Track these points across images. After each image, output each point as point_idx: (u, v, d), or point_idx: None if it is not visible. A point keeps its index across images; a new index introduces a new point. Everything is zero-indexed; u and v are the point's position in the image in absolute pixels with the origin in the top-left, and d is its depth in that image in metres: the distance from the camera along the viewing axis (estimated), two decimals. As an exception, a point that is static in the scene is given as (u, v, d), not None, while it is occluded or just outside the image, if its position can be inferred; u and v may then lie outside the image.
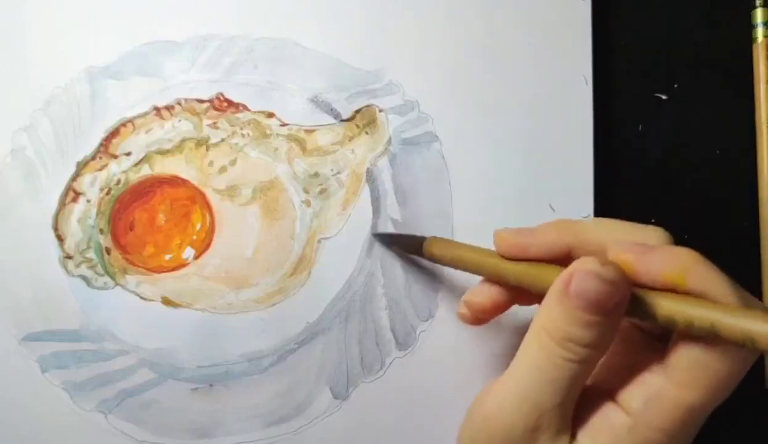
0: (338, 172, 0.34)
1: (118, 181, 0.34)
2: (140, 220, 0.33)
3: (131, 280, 0.33)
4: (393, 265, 0.34)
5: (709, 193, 0.36)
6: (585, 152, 0.34)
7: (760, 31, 0.36)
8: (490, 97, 0.35)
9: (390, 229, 0.34)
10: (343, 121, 0.35)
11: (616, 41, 0.37)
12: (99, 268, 0.33)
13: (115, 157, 0.34)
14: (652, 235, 0.24)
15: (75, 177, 0.33)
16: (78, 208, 0.33)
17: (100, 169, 0.34)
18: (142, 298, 0.33)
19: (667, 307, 0.20)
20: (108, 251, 0.33)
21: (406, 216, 0.34)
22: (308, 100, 0.34)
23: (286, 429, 0.33)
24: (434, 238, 0.30)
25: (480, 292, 0.27)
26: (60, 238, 0.33)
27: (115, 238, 0.33)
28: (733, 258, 0.36)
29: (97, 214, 0.33)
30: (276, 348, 0.33)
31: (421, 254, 0.30)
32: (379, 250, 0.34)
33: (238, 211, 0.34)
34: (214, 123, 0.34)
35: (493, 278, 0.27)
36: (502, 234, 0.25)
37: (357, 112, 0.35)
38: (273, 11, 0.35)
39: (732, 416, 0.35)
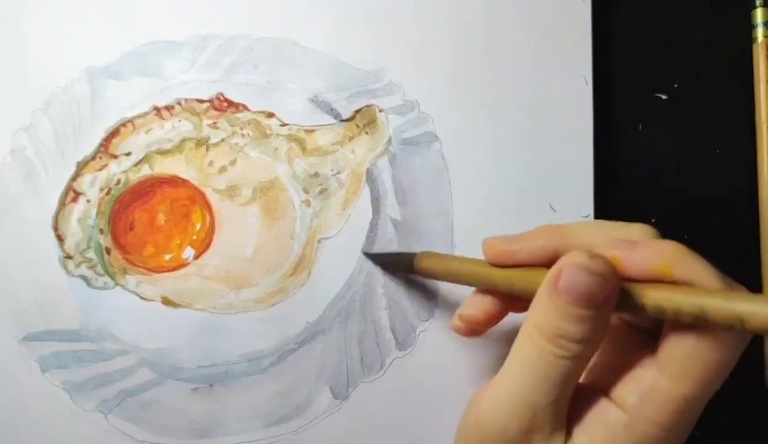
0: (338, 172, 0.34)
1: (118, 181, 0.34)
2: (140, 220, 0.33)
3: (131, 280, 0.33)
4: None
5: (709, 193, 0.36)
6: (585, 152, 0.34)
7: (760, 31, 0.36)
8: (490, 97, 0.35)
9: (390, 229, 0.34)
10: (343, 121, 0.35)
11: (616, 41, 0.37)
12: (99, 268, 0.33)
13: (115, 157, 0.34)
14: (638, 231, 0.24)
15: (75, 177, 0.33)
16: (78, 208, 0.33)
17: (100, 169, 0.34)
18: (142, 298, 0.33)
19: (655, 296, 0.21)
20: (108, 251, 0.33)
21: (406, 216, 0.34)
22: (308, 100, 0.34)
23: (286, 429, 0.33)
24: (424, 252, 0.30)
25: (472, 304, 0.27)
26: (60, 238, 0.33)
27: (115, 238, 0.33)
28: (733, 258, 0.36)
29: (97, 214, 0.33)
30: (276, 348, 0.33)
31: (412, 270, 0.30)
32: (380, 249, 0.34)
33: (238, 211, 0.34)
34: (214, 123, 0.34)
35: (484, 287, 0.27)
36: (490, 242, 0.25)
37: (357, 112, 0.35)
38: (273, 11, 0.35)
39: (732, 416, 0.35)
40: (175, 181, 0.34)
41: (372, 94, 0.35)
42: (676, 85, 0.37)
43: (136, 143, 0.34)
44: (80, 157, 0.33)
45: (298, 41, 0.35)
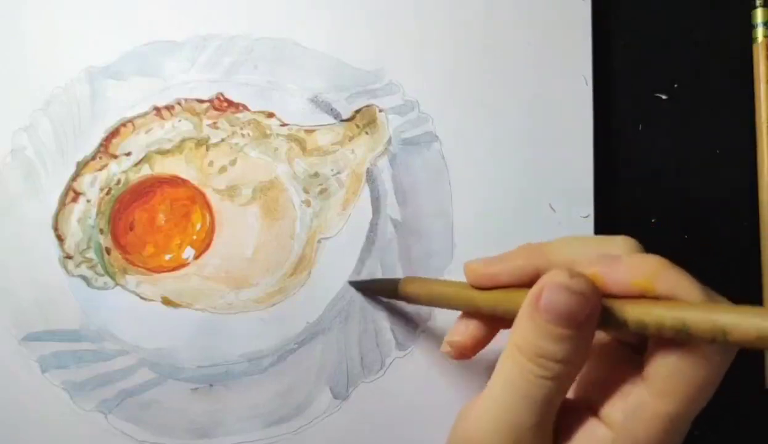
0: (338, 172, 0.34)
1: (118, 181, 0.34)
2: (140, 220, 0.33)
3: (131, 280, 0.33)
4: (393, 265, 0.34)
5: (709, 193, 0.36)
6: (585, 152, 0.34)
7: (760, 31, 0.36)
8: (490, 97, 0.35)
9: (390, 229, 0.34)
10: (343, 121, 0.35)
11: (616, 41, 0.37)
12: (99, 268, 0.33)
13: (115, 157, 0.34)
14: (620, 245, 0.23)
15: (75, 177, 0.33)
16: (78, 208, 0.33)
17: (100, 169, 0.34)
18: (142, 298, 0.33)
19: (636, 312, 0.20)
20: (108, 251, 0.33)
21: (406, 216, 0.34)
22: (308, 100, 0.34)
23: (286, 429, 0.33)
24: (408, 278, 0.30)
25: (458, 330, 0.27)
26: (60, 238, 0.33)
27: (115, 238, 0.33)
28: (733, 258, 0.36)
29: (97, 214, 0.33)
30: (276, 348, 0.33)
31: (397, 296, 0.30)
32: (380, 249, 0.34)
33: (238, 211, 0.34)
34: (214, 123, 0.34)
35: (468, 310, 0.27)
36: (471, 265, 0.25)
37: (357, 112, 0.35)
38: (273, 11, 0.35)
39: (732, 416, 0.35)
40: (175, 181, 0.34)
41: (372, 94, 0.35)
42: (676, 85, 0.37)
43: (136, 143, 0.34)
44: (80, 157, 0.33)
45: (298, 41, 0.35)
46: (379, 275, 0.33)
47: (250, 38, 0.34)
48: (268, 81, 0.34)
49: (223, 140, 0.34)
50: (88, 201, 0.33)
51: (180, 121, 0.34)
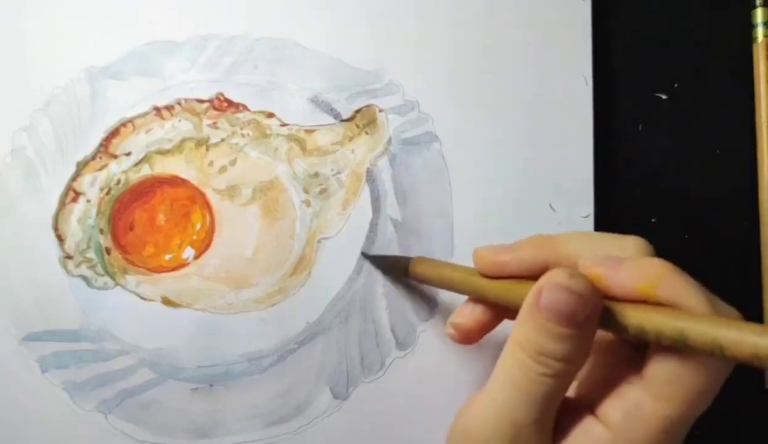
0: (338, 172, 0.34)
1: (118, 181, 0.34)
2: (140, 220, 0.33)
3: (131, 280, 0.33)
4: (393, 265, 0.34)
5: (709, 193, 0.36)
6: (585, 152, 0.34)
7: (760, 31, 0.36)
8: (490, 97, 0.35)
9: (390, 229, 0.34)
10: (343, 121, 0.35)
11: (616, 41, 0.37)
12: (99, 268, 0.33)
13: (115, 157, 0.34)
14: (630, 245, 0.23)
15: (75, 177, 0.33)
16: (78, 208, 0.33)
17: (100, 169, 0.34)
18: (142, 298, 0.33)
19: (637, 317, 0.20)
20: (108, 251, 0.33)
21: (406, 216, 0.34)
22: (308, 100, 0.34)
23: (286, 429, 0.33)
24: (419, 258, 0.30)
25: (463, 312, 0.27)
26: (60, 238, 0.33)
27: (115, 238, 0.33)
28: (733, 258, 0.36)
29: (97, 214, 0.33)
30: (276, 348, 0.33)
31: (407, 275, 0.30)
32: (380, 249, 0.34)
33: (238, 211, 0.34)
34: (214, 123, 0.34)
35: (474, 297, 0.27)
36: (480, 252, 0.25)
37: (357, 112, 0.35)
38: (273, 11, 0.35)
39: (732, 416, 0.35)
40: (175, 181, 0.34)
41: (372, 94, 0.35)
42: (676, 85, 0.37)
43: (136, 143, 0.34)
44: (80, 157, 0.33)
45: (298, 41, 0.35)
46: (379, 276, 0.33)
47: (250, 38, 0.34)
48: (268, 81, 0.34)
49: (223, 140, 0.34)
50: (88, 201, 0.33)
51: (180, 121, 0.34)
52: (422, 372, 0.33)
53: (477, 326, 0.27)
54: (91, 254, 0.33)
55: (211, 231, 0.33)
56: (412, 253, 0.33)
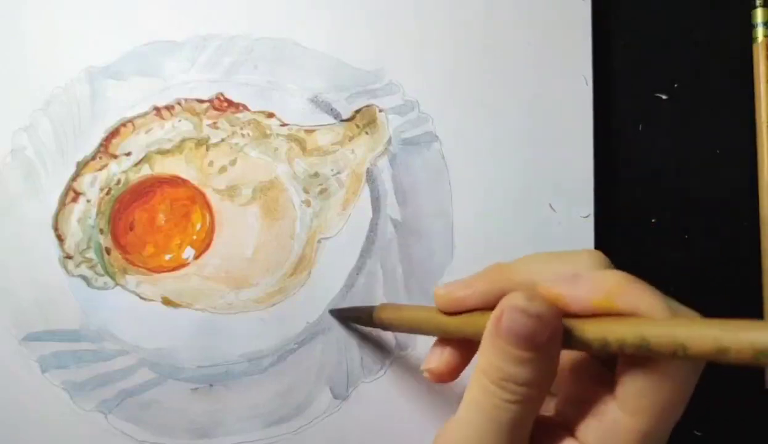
0: (338, 172, 0.34)
1: (118, 181, 0.34)
2: (140, 220, 0.33)
3: (131, 280, 0.33)
4: (393, 265, 0.34)
5: (709, 193, 0.36)
6: (585, 152, 0.34)
7: (760, 31, 0.36)
8: (490, 97, 0.35)
9: (390, 229, 0.34)
10: (343, 121, 0.35)
11: (616, 41, 0.37)
12: (99, 268, 0.33)
13: (115, 157, 0.34)
14: (585, 260, 0.23)
15: (75, 177, 0.33)
16: (78, 208, 0.33)
17: (100, 169, 0.34)
18: (142, 298, 0.33)
19: (598, 330, 0.20)
20: (108, 251, 0.33)
21: (406, 216, 0.34)
22: (308, 100, 0.34)
23: (286, 429, 0.33)
24: (383, 305, 0.30)
25: (432, 358, 0.27)
26: (60, 238, 0.33)
27: (115, 238, 0.33)
28: (733, 258, 0.36)
29: (97, 214, 0.33)
30: (276, 348, 0.33)
31: (372, 323, 0.30)
32: (380, 249, 0.34)
33: (238, 211, 0.34)
34: (214, 123, 0.34)
35: (440, 336, 0.27)
36: (439, 291, 0.25)
37: (357, 112, 0.35)
38: (273, 11, 0.35)
39: (732, 416, 0.35)
40: (175, 181, 0.34)
41: (372, 94, 0.35)
42: (676, 85, 0.37)
43: (136, 143, 0.34)
44: (80, 157, 0.33)
45: (298, 41, 0.35)
46: (379, 275, 0.33)
47: (250, 38, 0.34)
48: (268, 81, 0.34)
49: (223, 140, 0.34)
50: (88, 201, 0.33)
51: (180, 121, 0.34)
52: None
53: (447, 368, 0.26)
54: (91, 254, 0.33)
55: (211, 231, 0.33)
56: (412, 254, 0.34)
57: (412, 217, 0.34)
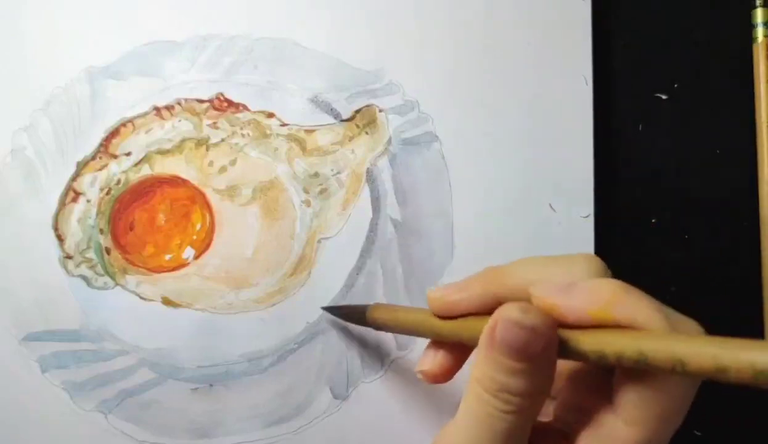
0: (338, 172, 0.34)
1: (118, 181, 0.34)
2: (140, 220, 0.33)
3: (131, 280, 0.33)
4: (393, 265, 0.34)
5: (709, 193, 0.36)
6: (585, 152, 0.34)
7: (760, 31, 0.36)
8: (490, 97, 0.35)
9: (390, 229, 0.34)
10: (343, 121, 0.35)
11: (616, 41, 0.37)
12: (99, 268, 0.33)
13: (115, 157, 0.34)
14: (580, 266, 0.23)
15: (75, 177, 0.33)
16: (78, 208, 0.33)
17: (100, 169, 0.34)
18: (142, 298, 0.33)
19: (595, 343, 0.20)
20: (108, 251, 0.33)
21: (406, 216, 0.34)
22: (308, 100, 0.34)
23: (286, 429, 0.33)
24: (376, 305, 0.30)
25: (426, 360, 0.27)
26: (60, 238, 0.33)
27: (115, 238, 0.33)
28: (733, 258, 0.36)
29: (97, 214, 0.33)
30: (276, 348, 0.33)
31: (365, 323, 0.30)
32: (380, 249, 0.34)
33: (238, 211, 0.34)
34: (214, 123, 0.34)
35: (433, 339, 0.27)
36: (432, 295, 0.25)
37: (357, 112, 0.35)
38: (273, 11, 0.35)
39: (732, 416, 0.35)
40: (175, 181, 0.34)
41: (372, 94, 0.35)
42: (676, 85, 0.37)
43: (136, 143, 0.34)
44: (80, 157, 0.33)
45: (298, 41, 0.35)
46: (379, 275, 0.33)
47: (250, 38, 0.34)
48: (268, 81, 0.34)
49: (223, 140, 0.34)
50: (88, 201, 0.33)
51: (180, 121, 0.34)
52: (422, 372, 0.33)
53: (441, 370, 0.26)
54: (91, 254, 0.33)
55: (211, 231, 0.33)
56: (412, 254, 0.34)
57: (412, 217, 0.34)
